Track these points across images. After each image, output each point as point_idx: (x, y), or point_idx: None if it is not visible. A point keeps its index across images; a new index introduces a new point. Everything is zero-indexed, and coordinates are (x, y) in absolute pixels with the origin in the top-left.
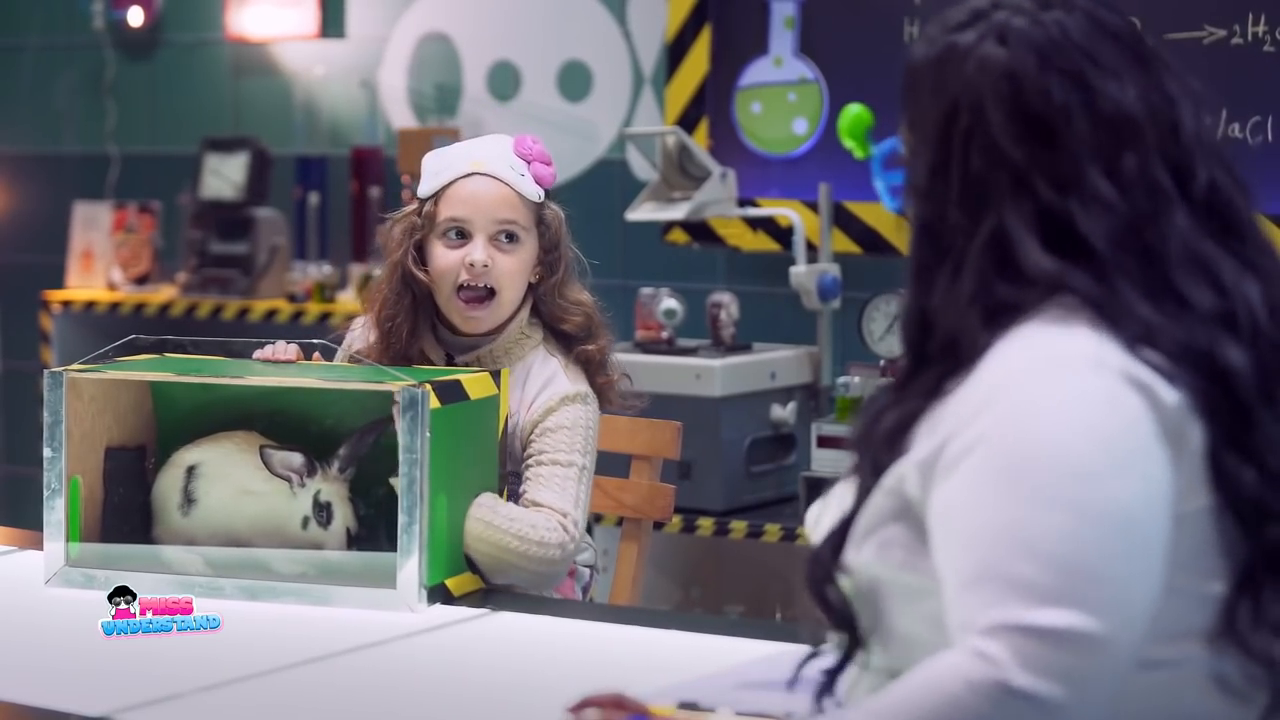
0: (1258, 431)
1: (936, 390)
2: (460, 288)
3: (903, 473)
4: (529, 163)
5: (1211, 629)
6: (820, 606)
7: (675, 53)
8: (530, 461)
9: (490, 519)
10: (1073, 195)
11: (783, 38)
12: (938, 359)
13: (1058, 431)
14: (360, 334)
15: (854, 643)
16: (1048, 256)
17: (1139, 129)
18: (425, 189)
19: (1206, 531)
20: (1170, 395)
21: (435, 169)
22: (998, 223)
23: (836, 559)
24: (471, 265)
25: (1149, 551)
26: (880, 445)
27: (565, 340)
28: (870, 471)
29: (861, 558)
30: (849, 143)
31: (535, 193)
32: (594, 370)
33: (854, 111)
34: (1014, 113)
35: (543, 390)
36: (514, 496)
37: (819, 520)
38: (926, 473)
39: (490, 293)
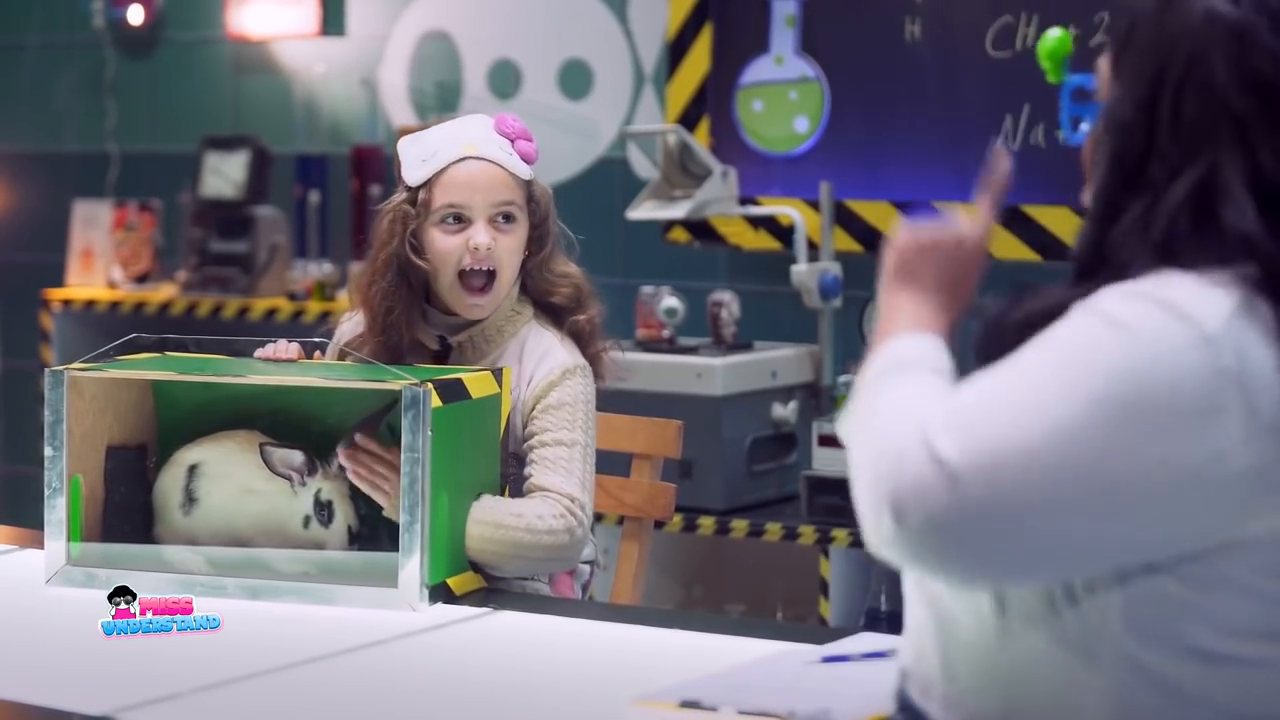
0: None
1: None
2: (462, 273)
3: None
4: (512, 141)
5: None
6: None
7: (676, 51)
8: (533, 442)
9: (497, 520)
10: None
11: (784, 36)
12: (1102, 284)
13: (1129, 363)
14: (349, 327)
15: None
16: (1257, 220)
17: None
18: (415, 176)
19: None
20: (1271, 390)
21: (420, 155)
22: (1209, 171)
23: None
24: (476, 249)
25: (1106, 507)
26: (997, 334)
27: (556, 314)
28: (987, 358)
29: None
30: (1046, 64)
31: (525, 171)
32: (586, 341)
33: (1057, 35)
34: (1241, 70)
35: (540, 364)
36: (517, 479)
37: None
38: None
39: (490, 275)
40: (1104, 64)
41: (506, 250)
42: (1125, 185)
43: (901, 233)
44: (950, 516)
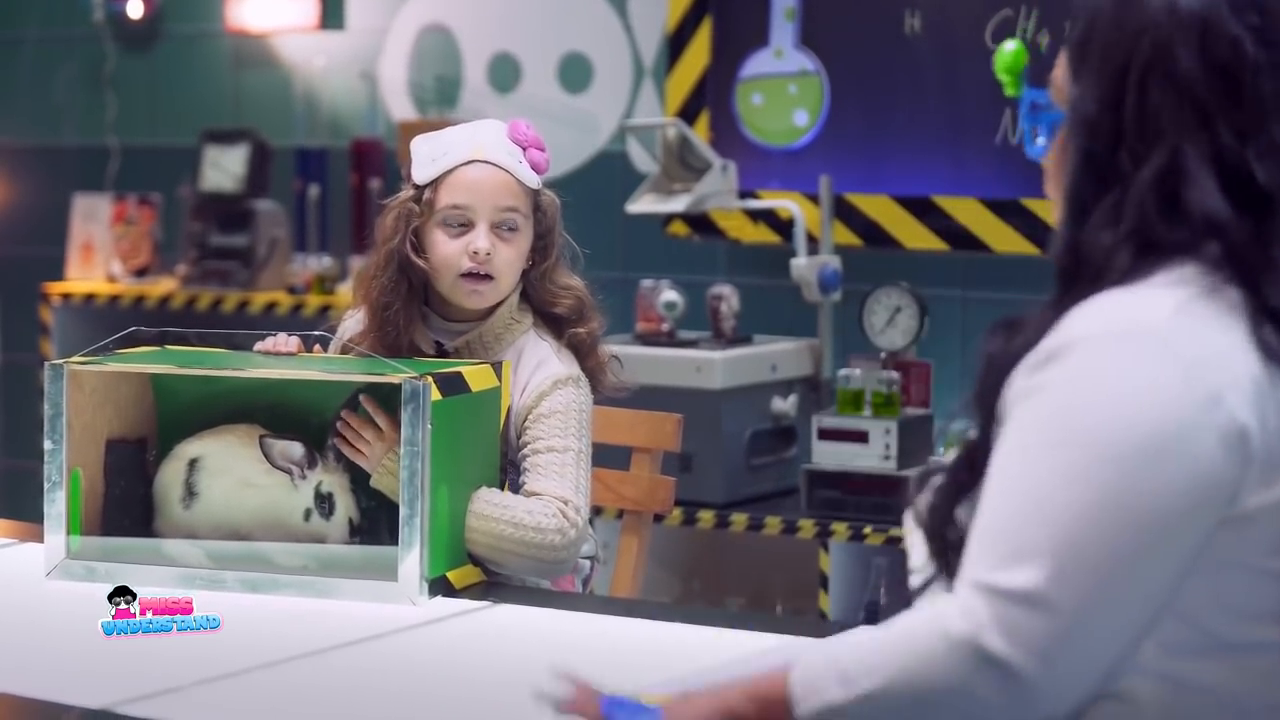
0: None
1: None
2: (462, 275)
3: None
4: (524, 148)
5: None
6: (933, 544)
7: (676, 44)
8: (526, 450)
9: (484, 510)
10: (1251, 145)
11: (783, 29)
12: (1087, 288)
13: (1109, 410)
14: (352, 324)
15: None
16: (1220, 198)
17: None
18: (423, 175)
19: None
20: (1244, 396)
21: (431, 154)
22: (1172, 156)
23: (964, 494)
24: (475, 253)
25: (1159, 553)
26: (992, 374)
27: (556, 324)
28: (980, 402)
29: None
30: (1004, 77)
31: (533, 179)
32: (584, 353)
33: (1013, 48)
34: (1202, 57)
35: (534, 374)
36: (512, 487)
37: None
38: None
39: (490, 279)
40: (1059, 69)
41: (506, 259)
42: (1095, 181)
43: None
44: (1051, 636)
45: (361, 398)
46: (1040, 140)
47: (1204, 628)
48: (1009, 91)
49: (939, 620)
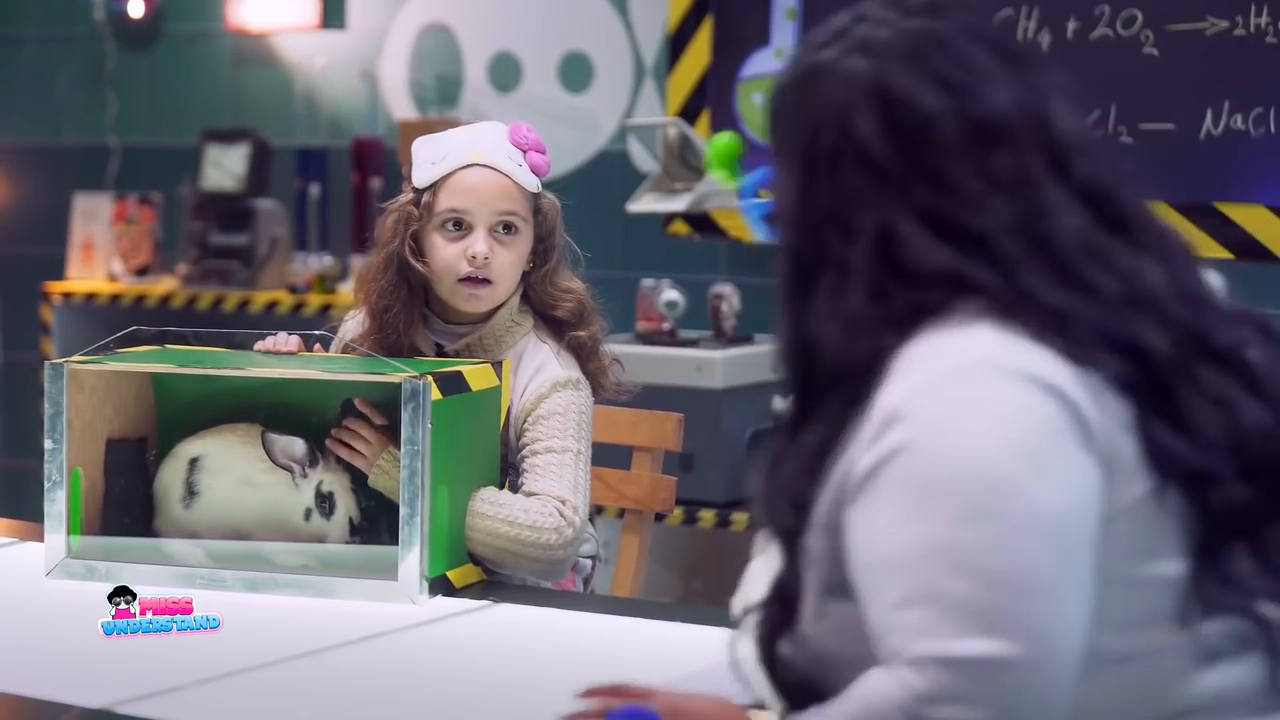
0: (1184, 406)
1: (839, 419)
2: (460, 279)
3: (833, 495)
4: (525, 151)
5: (1179, 610)
6: (773, 682)
7: (677, 44)
8: (525, 452)
9: (481, 509)
10: (949, 195)
11: (784, 29)
12: (828, 388)
13: (971, 445)
14: (354, 325)
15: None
16: (942, 247)
17: (1011, 128)
18: (422, 178)
19: (1153, 515)
20: (1079, 392)
21: (431, 157)
22: (882, 224)
23: (783, 631)
24: (473, 257)
25: (1079, 555)
26: (792, 493)
27: (557, 327)
28: (792, 523)
29: (824, 626)
30: (717, 172)
31: (533, 183)
32: (586, 356)
33: (723, 140)
34: (883, 121)
35: (534, 377)
36: (512, 489)
37: (749, 591)
38: (839, 497)
39: (488, 283)
40: (773, 156)
41: (505, 263)
42: (805, 274)
43: None
44: (1007, 684)
45: (356, 400)
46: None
47: (1096, 646)
48: (726, 185)
49: (889, 699)
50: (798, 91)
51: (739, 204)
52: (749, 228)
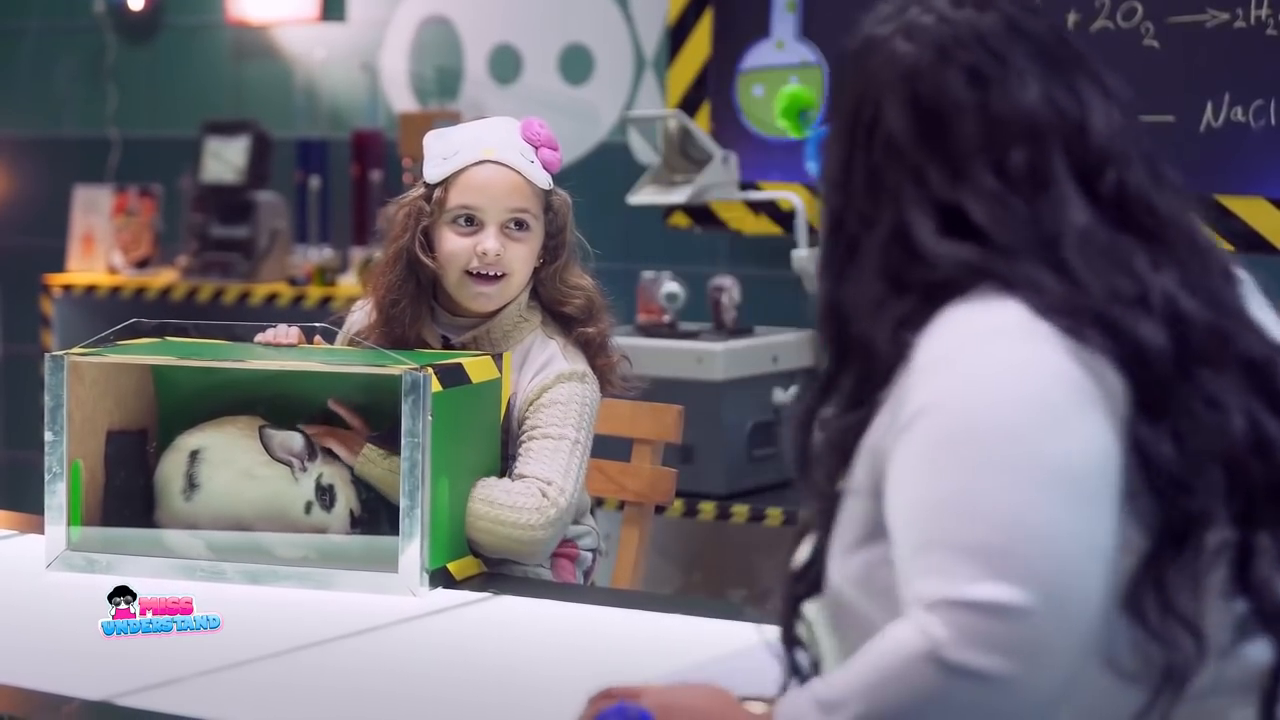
0: (1176, 408)
1: (868, 385)
2: (469, 273)
3: (866, 462)
4: (536, 148)
5: (1115, 604)
6: (785, 641)
7: (677, 36)
8: (522, 438)
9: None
10: (962, 187)
11: (784, 21)
12: (855, 358)
13: (996, 397)
14: (360, 316)
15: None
16: (944, 241)
17: (1036, 127)
18: (434, 174)
19: (1125, 503)
20: (1098, 363)
21: (442, 153)
22: (896, 216)
23: (808, 593)
24: (484, 254)
25: (1097, 506)
26: (817, 465)
27: (565, 322)
28: (818, 499)
29: (849, 570)
30: (783, 123)
31: (544, 180)
32: (594, 352)
33: (791, 90)
34: (910, 108)
35: (540, 372)
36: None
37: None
38: (875, 460)
39: (498, 278)
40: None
41: (516, 258)
42: (845, 244)
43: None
44: (1028, 632)
45: (330, 401)
46: None
47: (1111, 651)
48: (794, 134)
49: (903, 645)
50: (854, 60)
51: (806, 158)
52: (816, 176)
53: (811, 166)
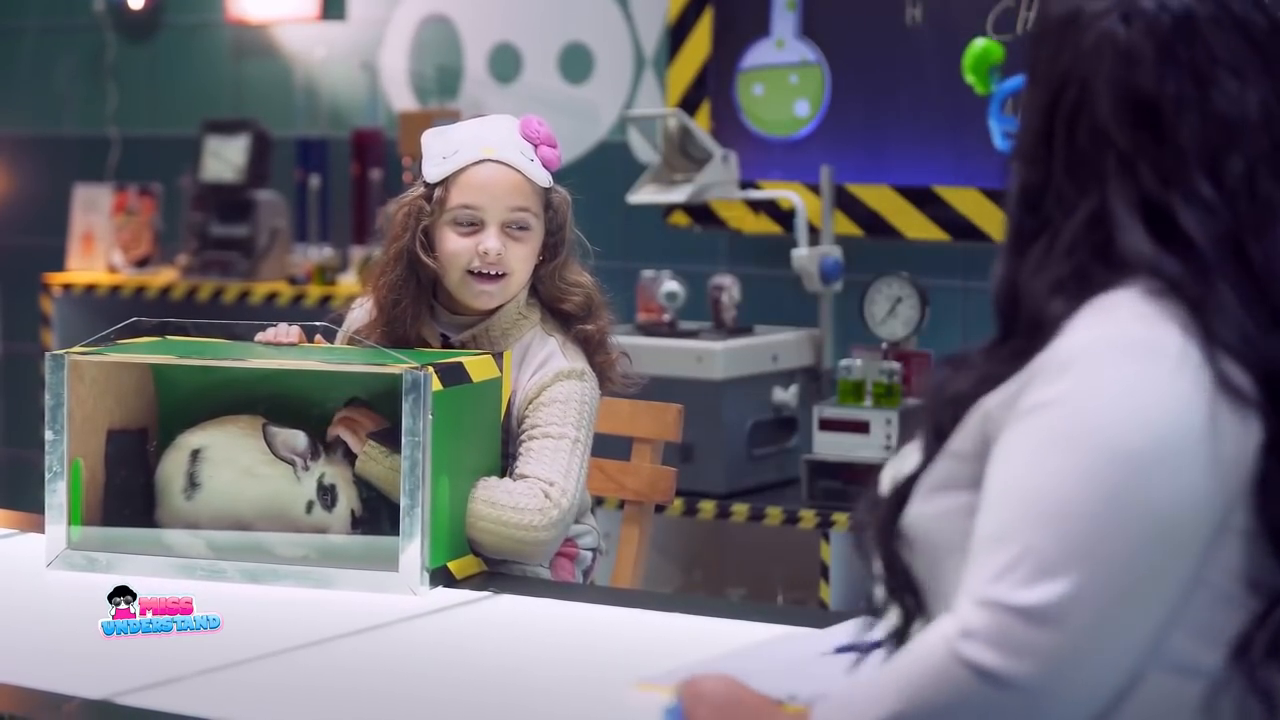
0: None
1: (1015, 361)
2: (470, 272)
3: (977, 424)
4: (536, 146)
5: (1225, 654)
6: (885, 562)
7: (677, 34)
8: (523, 437)
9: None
10: (1175, 190)
11: (785, 19)
12: (1023, 335)
13: (1119, 416)
14: (360, 313)
15: (915, 604)
16: (1150, 242)
17: (1250, 133)
18: (434, 173)
19: (1240, 554)
20: (1234, 403)
21: (441, 152)
22: (1100, 203)
23: (898, 515)
24: (485, 254)
25: (1173, 554)
26: (947, 406)
27: (564, 319)
28: (934, 432)
29: (926, 510)
30: (970, 77)
31: (544, 178)
32: (593, 349)
33: (980, 45)
34: (1124, 96)
35: (539, 369)
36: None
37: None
38: (997, 420)
39: (499, 277)
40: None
41: (517, 257)
42: (1033, 220)
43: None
44: (1062, 648)
45: (348, 408)
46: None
47: (1178, 654)
48: (979, 90)
49: (945, 640)
50: (1059, 30)
51: (989, 116)
52: (994, 135)
53: (992, 125)
